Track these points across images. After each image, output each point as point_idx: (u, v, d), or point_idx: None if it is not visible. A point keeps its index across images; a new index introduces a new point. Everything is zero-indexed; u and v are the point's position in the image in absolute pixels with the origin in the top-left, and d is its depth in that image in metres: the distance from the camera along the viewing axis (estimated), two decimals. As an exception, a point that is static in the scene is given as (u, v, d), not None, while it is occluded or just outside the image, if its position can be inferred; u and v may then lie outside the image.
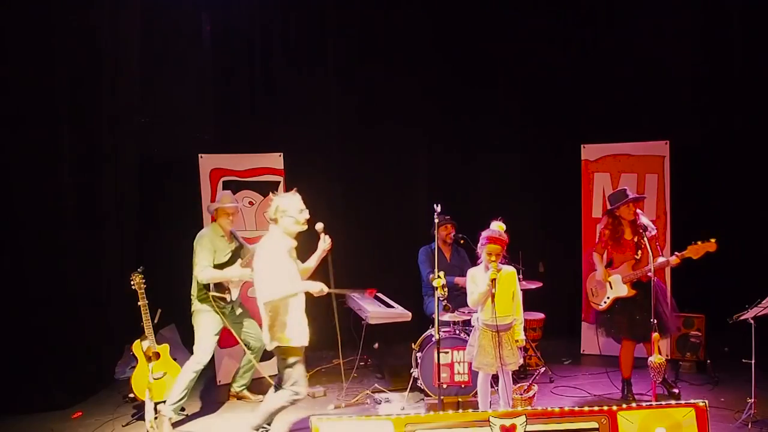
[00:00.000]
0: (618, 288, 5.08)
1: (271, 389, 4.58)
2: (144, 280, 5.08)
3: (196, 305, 5.13)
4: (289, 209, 4.23)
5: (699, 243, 4.66)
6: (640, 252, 4.96)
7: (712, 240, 4.63)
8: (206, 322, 5.09)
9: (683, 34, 6.97)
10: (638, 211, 5.08)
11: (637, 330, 4.99)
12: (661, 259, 4.86)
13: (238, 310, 5.32)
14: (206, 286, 5.06)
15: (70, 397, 5.52)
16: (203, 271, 4.99)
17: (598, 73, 7.23)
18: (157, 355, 5.11)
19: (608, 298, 5.15)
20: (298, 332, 4.28)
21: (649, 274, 4.74)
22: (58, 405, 5.40)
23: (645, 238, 4.80)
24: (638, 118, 7.10)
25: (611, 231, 5.13)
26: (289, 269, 4.23)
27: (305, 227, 4.32)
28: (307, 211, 4.31)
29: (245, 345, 5.36)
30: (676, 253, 4.77)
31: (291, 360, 4.27)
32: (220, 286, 5.10)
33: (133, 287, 5.05)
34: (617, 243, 5.11)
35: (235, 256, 5.24)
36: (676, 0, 6.97)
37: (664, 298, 5.03)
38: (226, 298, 5.12)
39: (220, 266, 5.10)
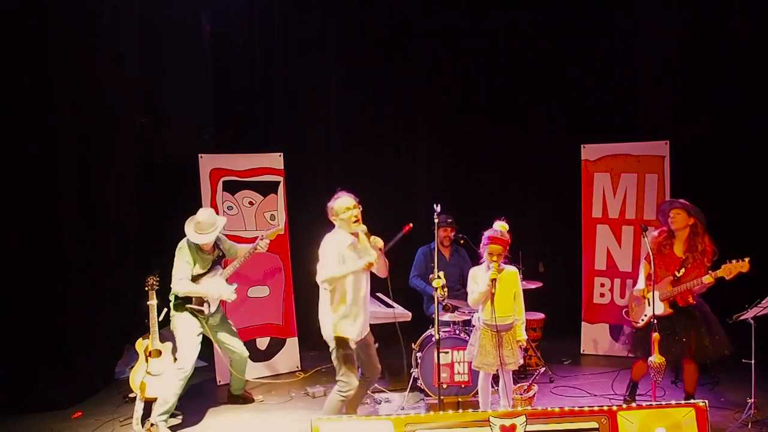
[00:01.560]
0: (656, 306, 4.66)
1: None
2: (159, 282, 5.05)
3: (173, 312, 5.09)
4: (339, 212, 4.36)
5: (732, 262, 4.38)
6: (683, 270, 4.65)
7: (746, 259, 4.36)
8: (185, 325, 5.02)
9: (683, 33, 6.97)
10: (703, 232, 4.70)
11: (665, 354, 4.58)
12: (695, 281, 4.58)
13: (216, 321, 5.20)
14: (184, 298, 5.01)
15: (70, 397, 5.51)
16: (179, 283, 4.93)
17: (598, 73, 7.22)
18: (158, 353, 5.10)
19: (645, 315, 4.81)
20: (347, 324, 4.31)
21: (690, 301, 4.60)
22: (58, 405, 5.39)
23: (646, 239, 4.63)
24: (638, 118, 7.10)
25: (660, 239, 4.79)
26: (344, 256, 4.29)
27: (357, 226, 4.37)
28: (357, 210, 4.38)
29: (228, 360, 5.37)
30: (710, 272, 4.51)
31: (339, 351, 4.30)
32: (198, 299, 5.04)
33: (146, 288, 5.02)
34: (661, 255, 4.76)
35: (215, 264, 5.15)
36: (677, 0, 6.98)
37: (707, 321, 4.72)
38: (203, 311, 5.04)
39: (198, 277, 5.05)
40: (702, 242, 4.67)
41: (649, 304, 4.70)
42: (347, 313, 4.32)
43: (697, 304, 4.73)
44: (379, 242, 4.37)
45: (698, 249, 4.66)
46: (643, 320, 4.83)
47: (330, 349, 4.37)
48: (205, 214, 5.07)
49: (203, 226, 4.99)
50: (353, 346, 4.34)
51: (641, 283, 4.92)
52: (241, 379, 5.43)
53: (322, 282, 4.28)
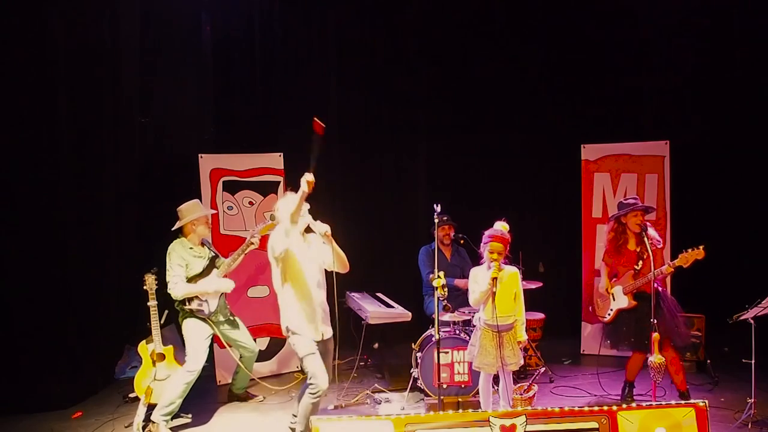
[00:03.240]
0: (620, 299, 4.98)
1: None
2: (157, 281, 5.03)
3: (180, 317, 5.10)
4: (283, 211, 4.32)
5: (688, 251, 4.55)
6: (641, 263, 4.85)
7: (701, 247, 4.52)
8: (195, 329, 5.02)
9: (684, 33, 6.97)
10: (647, 223, 4.92)
11: (643, 341, 4.81)
12: (656, 271, 4.71)
13: (221, 318, 5.20)
14: (182, 301, 5.00)
15: (70, 397, 5.52)
16: (176, 286, 4.92)
17: (598, 72, 7.23)
18: (162, 357, 5.10)
19: (611, 310, 5.05)
20: (305, 323, 4.32)
21: (655, 285, 4.64)
22: (58, 405, 5.40)
23: (649, 250, 4.68)
24: (638, 118, 7.10)
25: (614, 238, 5.01)
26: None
27: (296, 225, 4.26)
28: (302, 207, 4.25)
29: (238, 357, 5.36)
30: (668, 262, 4.71)
31: (302, 351, 4.31)
32: (197, 299, 5.04)
33: (144, 288, 5.02)
34: (618, 252, 5.00)
35: (211, 266, 5.15)
36: (677, 0, 6.98)
37: (672, 306, 4.89)
38: (203, 310, 5.03)
39: (195, 278, 5.04)
40: (649, 234, 4.84)
41: (614, 299, 5.02)
42: (305, 311, 4.32)
43: (660, 291, 4.83)
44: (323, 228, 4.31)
45: (646, 229, 4.83)
46: (609, 315, 5.08)
47: (293, 347, 4.38)
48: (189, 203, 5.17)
49: (192, 208, 5.10)
50: (314, 346, 4.33)
51: (603, 281, 5.14)
52: (248, 375, 5.45)
53: (277, 258, 4.23)
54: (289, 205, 4.23)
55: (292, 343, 4.40)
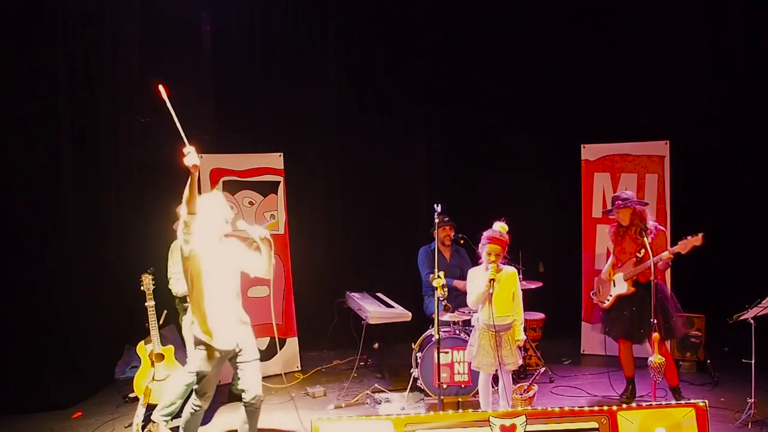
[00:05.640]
0: (620, 285, 5.09)
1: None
2: (154, 282, 5.02)
3: (183, 317, 5.08)
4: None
5: (687, 238, 4.66)
6: (642, 251, 4.92)
7: (699, 234, 4.61)
8: None
9: (684, 33, 6.98)
10: (648, 214, 5.04)
11: (633, 330, 4.99)
12: (655, 258, 4.77)
13: None
14: (183, 298, 4.98)
15: (70, 397, 5.51)
16: (177, 282, 4.90)
17: (598, 72, 7.23)
18: (161, 357, 5.09)
19: (611, 295, 5.15)
20: (207, 334, 4.01)
21: (651, 278, 4.66)
22: (58, 405, 5.39)
23: (646, 239, 4.74)
24: (638, 118, 7.10)
25: (616, 230, 5.16)
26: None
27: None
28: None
29: None
30: (668, 248, 4.78)
31: (195, 367, 4.09)
32: None
33: (141, 288, 5.00)
34: (621, 243, 5.11)
35: None
36: (678, 0, 6.98)
37: (667, 298, 4.99)
38: None
39: None
40: (644, 221, 4.95)
41: (614, 286, 5.15)
42: (212, 319, 4.01)
43: (657, 281, 4.85)
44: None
45: (644, 231, 4.88)
46: (608, 300, 5.18)
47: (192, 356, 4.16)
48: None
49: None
50: (216, 355, 4.00)
51: (606, 267, 5.27)
52: None
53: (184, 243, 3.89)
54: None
55: (193, 353, 4.17)
